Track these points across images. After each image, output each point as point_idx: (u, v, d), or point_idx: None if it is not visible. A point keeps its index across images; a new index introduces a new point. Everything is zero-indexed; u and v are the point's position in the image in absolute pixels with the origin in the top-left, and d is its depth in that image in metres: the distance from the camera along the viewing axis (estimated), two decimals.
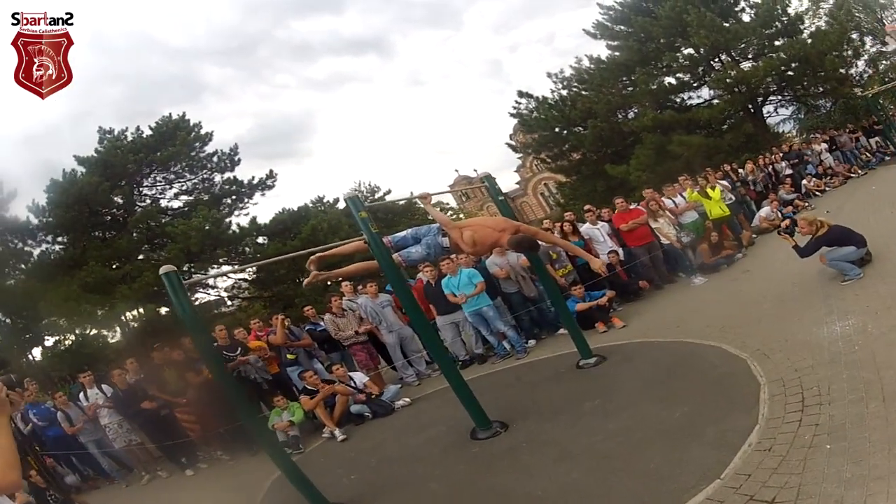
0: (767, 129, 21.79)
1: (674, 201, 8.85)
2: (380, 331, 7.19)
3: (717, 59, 20.66)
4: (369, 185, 27.52)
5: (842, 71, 20.20)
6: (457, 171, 55.10)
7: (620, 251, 7.91)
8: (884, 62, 22.04)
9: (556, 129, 22.60)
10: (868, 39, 22.37)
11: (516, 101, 23.09)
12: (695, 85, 21.26)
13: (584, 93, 21.87)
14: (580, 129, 22.19)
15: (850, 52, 20.40)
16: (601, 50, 22.98)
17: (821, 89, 20.87)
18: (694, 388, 3.89)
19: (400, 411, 5.97)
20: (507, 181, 57.07)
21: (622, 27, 21.58)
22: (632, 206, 8.44)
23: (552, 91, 22.86)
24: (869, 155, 14.96)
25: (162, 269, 3.72)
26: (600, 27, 22.12)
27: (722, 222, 8.68)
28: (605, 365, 5.13)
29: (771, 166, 12.98)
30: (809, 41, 19.36)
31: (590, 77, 21.72)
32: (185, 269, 15.95)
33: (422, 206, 4.85)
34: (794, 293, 5.41)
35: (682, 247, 7.82)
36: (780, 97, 22.14)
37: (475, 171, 54.59)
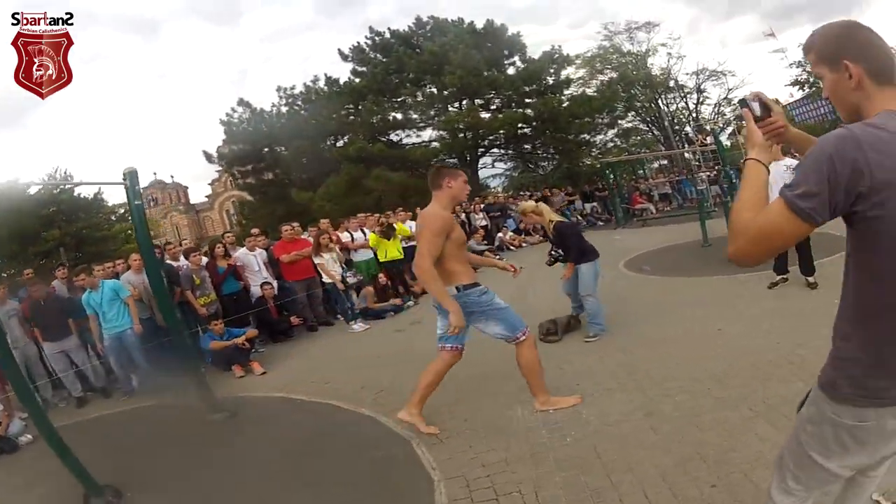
0: (478, 181, 22.11)
1: (352, 235, 8.33)
2: None
3: (458, 103, 20.96)
4: (65, 172, 26.29)
5: (585, 136, 21.80)
6: (155, 174, 51.60)
7: (275, 284, 7.04)
8: (635, 137, 24.24)
9: (256, 145, 21.10)
10: (631, 115, 23.98)
11: (232, 109, 21.27)
12: (420, 124, 21.45)
13: (302, 112, 21.00)
14: (281, 148, 21.15)
15: (607, 122, 22.22)
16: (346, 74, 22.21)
17: (552, 152, 21.99)
18: (341, 476, 2.98)
19: (24, 449, 4.67)
20: (199, 193, 57.68)
21: (379, 55, 21.47)
22: (303, 235, 7.71)
23: (273, 105, 21.66)
24: (580, 218, 15.16)
25: None
26: (356, 50, 21.79)
27: (396, 266, 8.12)
28: (237, 422, 4.28)
29: (465, 214, 12.27)
30: (566, 104, 20.21)
31: (318, 98, 20.85)
32: None
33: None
34: (485, 358, 4.07)
35: (344, 288, 7.24)
36: (503, 151, 23.24)
37: (172, 177, 53.98)
